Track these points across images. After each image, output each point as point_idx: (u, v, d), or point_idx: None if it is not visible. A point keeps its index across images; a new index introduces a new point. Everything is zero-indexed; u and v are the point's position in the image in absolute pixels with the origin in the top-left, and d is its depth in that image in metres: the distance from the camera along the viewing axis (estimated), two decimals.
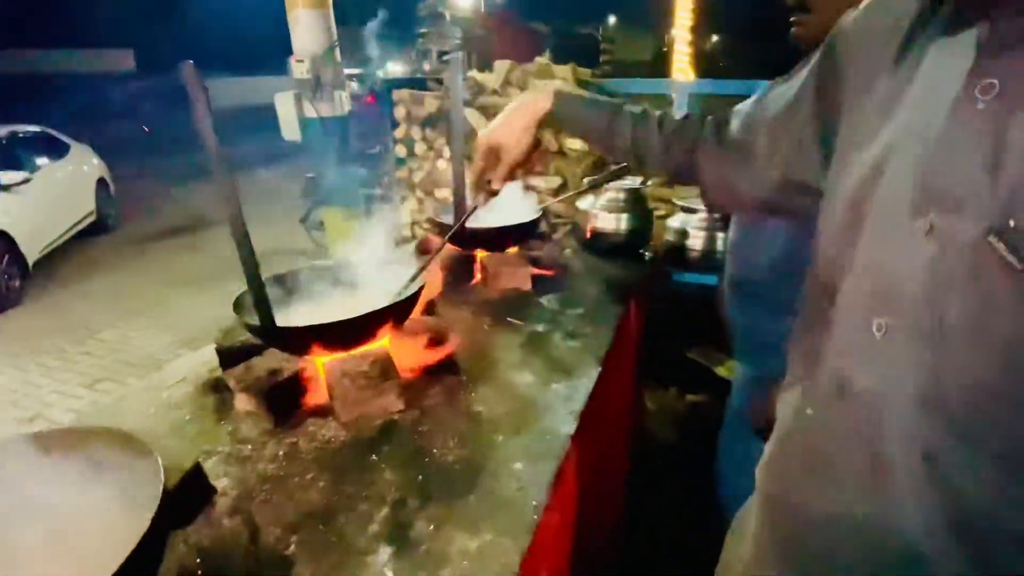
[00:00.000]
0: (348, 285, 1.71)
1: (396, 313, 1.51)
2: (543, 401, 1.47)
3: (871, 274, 0.70)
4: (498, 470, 1.23)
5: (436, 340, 1.59)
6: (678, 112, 1.28)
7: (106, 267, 7.30)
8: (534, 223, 2.26)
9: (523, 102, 1.36)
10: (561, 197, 2.50)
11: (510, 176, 1.47)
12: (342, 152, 5.88)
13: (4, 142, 7.38)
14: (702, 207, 2.68)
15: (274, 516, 1.13)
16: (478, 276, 2.15)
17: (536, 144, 1.40)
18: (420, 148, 3.60)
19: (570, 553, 1.38)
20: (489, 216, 2.00)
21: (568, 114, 1.34)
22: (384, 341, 1.52)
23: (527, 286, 2.12)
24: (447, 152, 3.47)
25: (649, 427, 3.41)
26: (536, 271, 2.18)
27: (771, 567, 0.88)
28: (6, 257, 6.36)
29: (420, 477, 1.22)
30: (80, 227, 8.23)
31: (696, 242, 2.60)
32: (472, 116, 3.53)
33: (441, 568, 1.00)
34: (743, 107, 1.10)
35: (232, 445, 1.34)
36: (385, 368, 1.44)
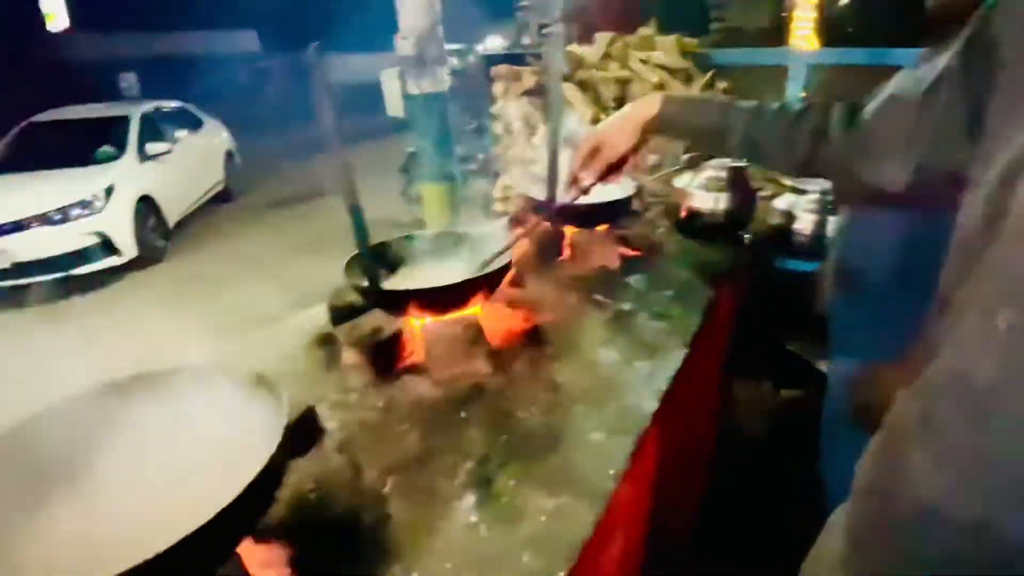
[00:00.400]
0: (445, 255, 1.80)
1: (487, 283, 1.58)
2: (625, 378, 1.49)
3: (1002, 268, 0.66)
4: (578, 439, 1.28)
5: (524, 312, 1.65)
6: (795, 97, 1.23)
7: (231, 233, 8.13)
8: (626, 201, 2.24)
9: (633, 106, 1.39)
10: (657, 175, 2.45)
11: (604, 175, 1.50)
12: (441, 128, 6.08)
13: (151, 117, 8.36)
14: (813, 187, 2.51)
15: (374, 458, 1.25)
16: (567, 252, 2.17)
17: (637, 148, 1.42)
18: (516, 124, 3.65)
19: (643, 527, 1.41)
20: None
21: (676, 118, 1.34)
22: (475, 309, 1.60)
23: (615, 265, 2.12)
24: (543, 128, 3.49)
25: (737, 420, 3.30)
26: (625, 250, 2.17)
27: (865, 564, 0.86)
28: (152, 219, 7.28)
29: (503, 437, 1.30)
30: (210, 195, 9.19)
31: (803, 226, 2.44)
32: (570, 92, 3.51)
33: (520, 520, 1.07)
34: (878, 94, 1.03)
35: (339, 394, 1.48)
36: (475, 334, 1.52)
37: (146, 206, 7.07)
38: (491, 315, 1.62)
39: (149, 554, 0.68)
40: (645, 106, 1.36)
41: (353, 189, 1.30)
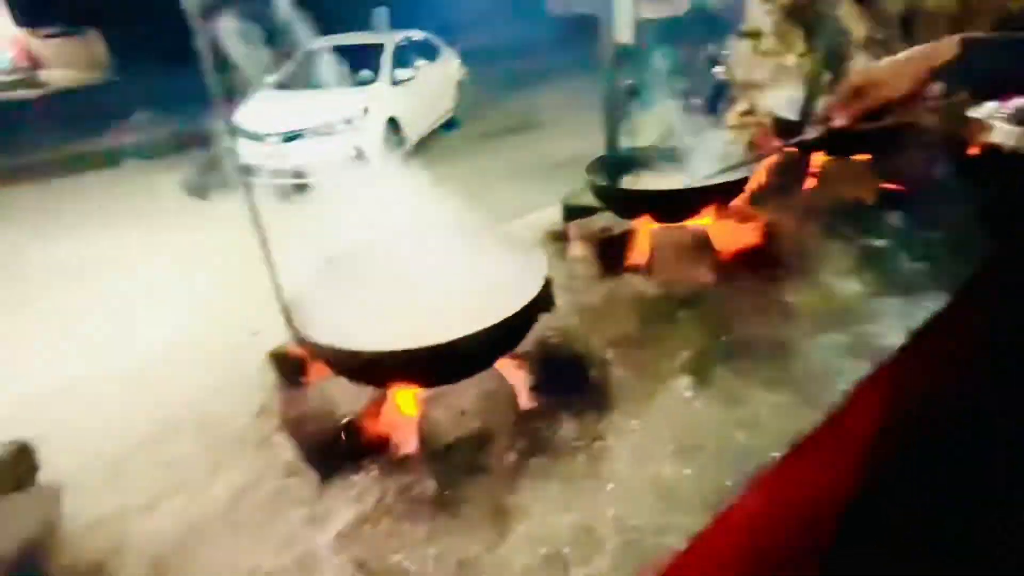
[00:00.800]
0: (681, 169, 1.81)
1: (721, 194, 1.57)
2: (868, 309, 1.39)
3: None
4: (807, 352, 1.26)
5: (756, 229, 1.61)
6: None
7: (457, 157, 8.96)
8: (892, 130, 1.96)
9: (922, 49, 1.19)
10: (942, 102, 2.07)
11: (865, 117, 1.33)
12: (671, 57, 5.80)
13: (401, 46, 9.40)
14: None
15: (597, 334, 1.39)
16: (812, 180, 2.01)
17: (915, 94, 1.22)
18: (767, 43, 3.33)
19: (858, 459, 1.35)
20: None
21: (980, 64, 1.12)
22: (706, 219, 1.61)
23: (870, 198, 1.90)
24: (797, 47, 3.14)
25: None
26: (885, 184, 1.93)
27: None
28: (394, 139, 8.38)
29: (724, 338, 1.33)
30: (441, 121, 10.16)
31: None
32: (849, 12, 3.06)
33: (736, 406, 1.12)
34: None
35: (567, 280, 1.65)
36: (702, 243, 1.54)
37: (391, 126, 8.14)
38: (722, 228, 1.62)
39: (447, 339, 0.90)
40: (938, 49, 1.16)
41: (614, 94, 1.38)
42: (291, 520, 0.98)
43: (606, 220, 1.72)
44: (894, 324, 1.32)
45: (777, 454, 1.00)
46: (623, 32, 5.80)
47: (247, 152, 6.74)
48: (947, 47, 1.17)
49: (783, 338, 1.31)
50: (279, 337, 1.21)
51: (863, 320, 1.34)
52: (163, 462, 1.15)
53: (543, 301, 1.22)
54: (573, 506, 0.95)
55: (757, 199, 1.79)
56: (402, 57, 9.03)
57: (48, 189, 6.58)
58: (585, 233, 1.69)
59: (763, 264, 1.58)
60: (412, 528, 0.94)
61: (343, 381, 1.09)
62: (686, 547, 0.87)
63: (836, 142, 1.95)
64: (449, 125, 10.40)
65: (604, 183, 1.57)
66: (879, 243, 1.68)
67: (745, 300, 1.45)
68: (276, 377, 1.29)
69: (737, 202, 1.70)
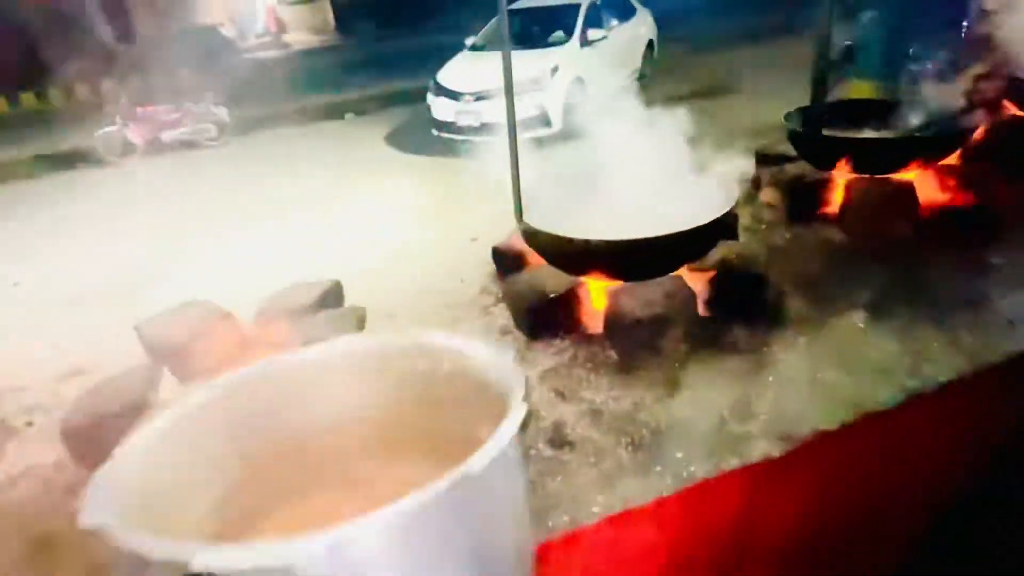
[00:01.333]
0: (889, 124, 1.77)
1: (931, 147, 1.54)
2: None
3: None
4: (995, 307, 1.25)
5: (969, 190, 1.55)
6: None
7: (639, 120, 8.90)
8: None
9: None
10: None
11: None
12: (899, 15, 5.09)
13: (596, 5, 9.46)
14: None
15: (778, 271, 1.50)
16: None
17: None
18: None
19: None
20: None
21: None
22: (911, 174, 1.59)
23: None
24: None
25: None
26: None
27: None
28: (579, 99, 8.57)
29: (908, 285, 1.36)
30: (626, 82, 10.09)
31: None
32: None
33: (909, 339, 1.19)
34: None
35: (752, 222, 1.75)
36: (904, 197, 1.54)
37: (577, 87, 8.34)
38: (929, 184, 1.58)
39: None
40: None
41: (827, 24, 1.43)
42: None
43: (801, 168, 1.77)
44: None
45: (942, 380, 1.07)
46: None
47: (444, 109, 7.45)
48: None
49: (975, 292, 1.31)
50: (494, 242, 1.55)
51: None
52: (416, 317, 1.57)
53: (726, 225, 1.37)
54: (735, 388, 1.14)
55: (975, 158, 1.69)
56: (595, 17, 9.03)
57: (285, 136, 7.97)
58: (777, 179, 1.77)
59: (971, 224, 1.53)
60: (598, 378, 1.21)
61: (552, 269, 1.38)
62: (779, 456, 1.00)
63: None
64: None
65: (802, 130, 1.62)
66: None
67: (943, 257, 1.45)
68: (495, 268, 1.64)
69: (951, 159, 1.64)
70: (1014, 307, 1.24)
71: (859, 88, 5.13)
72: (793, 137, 1.72)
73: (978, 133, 1.83)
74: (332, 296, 1.53)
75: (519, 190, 1.33)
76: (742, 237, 1.67)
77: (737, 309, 1.32)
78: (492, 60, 8.48)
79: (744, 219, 1.78)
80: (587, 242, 1.22)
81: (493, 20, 9.12)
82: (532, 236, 1.34)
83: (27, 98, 11.22)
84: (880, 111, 1.83)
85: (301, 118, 9.59)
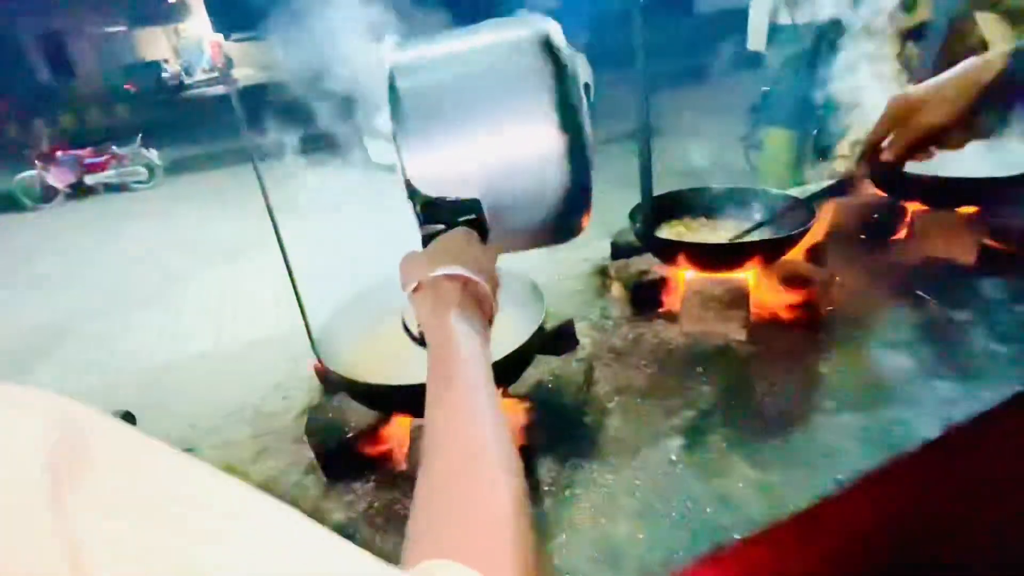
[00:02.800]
0: (735, 212, 1.76)
1: (767, 250, 1.51)
2: (909, 392, 1.27)
3: None
4: (815, 434, 1.19)
5: (802, 287, 1.52)
6: None
7: None
8: (1012, 180, 1.71)
9: (967, 64, 1.06)
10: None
11: (912, 151, 1.21)
12: (808, 67, 5.32)
13: None
14: None
15: (609, 377, 1.43)
16: (901, 232, 1.83)
17: (965, 119, 1.08)
18: (891, 67, 2.98)
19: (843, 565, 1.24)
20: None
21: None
22: (747, 273, 1.56)
23: (968, 259, 1.69)
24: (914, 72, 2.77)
25: None
26: (990, 242, 1.70)
27: None
28: None
29: (732, 403, 1.30)
30: None
31: None
32: (988, 23, 2.66)
33: (718, 477, 1.12)
34: None
35: (599, 318, 1.69)
36: (737, 298, 1.50)
37: None
38: (763, 284, 1.55)
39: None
40: (987, 61, 1.02)
41: (647, 140, 1.40)
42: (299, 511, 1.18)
43: (647, 262, 1.73)
44: (931, 413, 1.20)
45: (738, 535, 0.99)
46: (756, 39, 5.44)
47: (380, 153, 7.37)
48: (997, 59, 1.06)
49: (796, 414, 1.25)
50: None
51: (896, 403, 1.24)
52: (221, 444, 1.42)
53: (539, 347, 1.29)
54: None
55: (821, 251, 1.68)
56: None
57: (217, 178, 7.74)
58: (624, 274, 1.72)
59: (803, 326, 1.50)
60: (384, 538, 1.09)
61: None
62: None
63: (934, 189, 1.76)
64: None
65: (639, 228, 1.58)
66: (959, 315, 1.50)
67: (769, 366, 1.40)
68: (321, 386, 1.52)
69: (794, 254, 1.62)
70: (834, 433, 1.19)
71: (773, 137, 5.30)
72: (636, 232, 1.68)
73: (831, 220, 1.83)
74: None
75: (306, 316, 1.22)
76: (589, 336, 1.61)
77: (551, 438, 1.23)
78: None
79: (594, 315, 1.72)
80: (370, 387, 1.11)
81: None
82: (325, 373, 1.23)
83: None
84: (736, 199, 1.81)
85: (241, 158, 9.40)
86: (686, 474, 1.14)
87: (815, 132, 4.57)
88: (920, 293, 1.59)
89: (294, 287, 1.19)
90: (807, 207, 1.58)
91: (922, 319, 1.50)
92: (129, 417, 1.41)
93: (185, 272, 4.11)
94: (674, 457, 1.18)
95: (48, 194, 7.18)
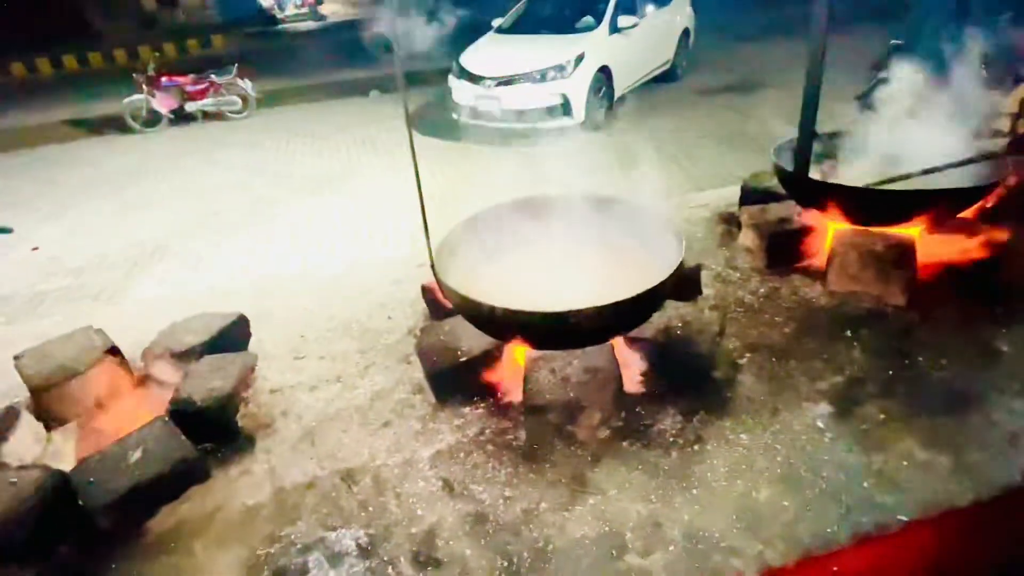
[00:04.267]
0: (898, 161, 1.52)
1: (946, 202, 1.29)
2: None
3: None
4: (995, 416, 1.02)
5: (980, 249, 1.30)
6: None
7: (667, 113, 8.49)
8: None
9: None
10: None
11: None
12: (950, 15, 4.62)
13: None
14: None
15: (738, 332, 1.29)
16: None
17: None
18: None
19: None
20: None
21: None
22: (914, 230, 1.35)
23: None
24: None
25: None
26: None
27: None
28: (603, 88, 8.20)
29: (890, 372, 1.14)
30: (657, 72, 9.62)
31: None
32: None
33: (877, 452, 0.98)
34: None
35: (725, 268, 1.54)
36: (902, 256, 1.30)
37: (602, 76, 7.98)
38: (933, 241, 1.34)
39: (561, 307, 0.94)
40: None
41: (819, 64, 1.20)
42: (407, 429, 1.15)
43: (787, 210, 1.54)
44: None
45: (904, 517, 0.86)
46: None
47: (465, 93, 7.18)
48: None
49: (968, 390, 1.08)
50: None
51: None
52: (329, 356, 1.41)
53: (681, 285, 1.17)
54: (648, 499, 0.95)
55: (998, 211, 1.43)
56: (628, 3, 8.63)
57: (308, 111, 7.88)
58: (758, 221, 1.54)
59: (979, 293, 1.29)
60: (497, 466, 1.04)
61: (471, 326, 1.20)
62: None
63: None
64: (668, 77, 9.77)
65: (791, 169, 1.39)
66: None
67: (936, 335, 1.22)
68: (425, 306, 1.47)
69: (971, 212, 1.39)
70: (1019, 418, 1.02)
71: (897, 96, 4.69)
72: (779, 174, 1.49)
73: (1009, 180, 1.56)
74: (234, 333, 1.38)
75: (429, 236, 1.14)
76: (712, 288, 1.46)
77: (675, 388, 1.12)
78: (518, 43, 8.13)
79: (718, 265, 1.56)
80: (493, 309, 1.03)
81: (520, 3, 8.75)
82: (446, 292, 1.16)
83: (69, 60, 11.43)
84: (893, 144, 1.57)
85: (328, 93, 9.48)
86: (837, 444, 1.01)
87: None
88: None
89: (422, 209, 1.11)
90: (993, 160, 1.33)
91: None
92: (243, 320, 1.43)
93: (273, 199, 4.24)
94: (822, 424, 1.05)
95: (153, 119, 7.58)
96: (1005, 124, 2.74)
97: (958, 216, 1.34)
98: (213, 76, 8.30)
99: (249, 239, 3.49)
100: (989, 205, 1.41)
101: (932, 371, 1.13)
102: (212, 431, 1.17)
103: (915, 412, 1.05)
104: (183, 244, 3.49)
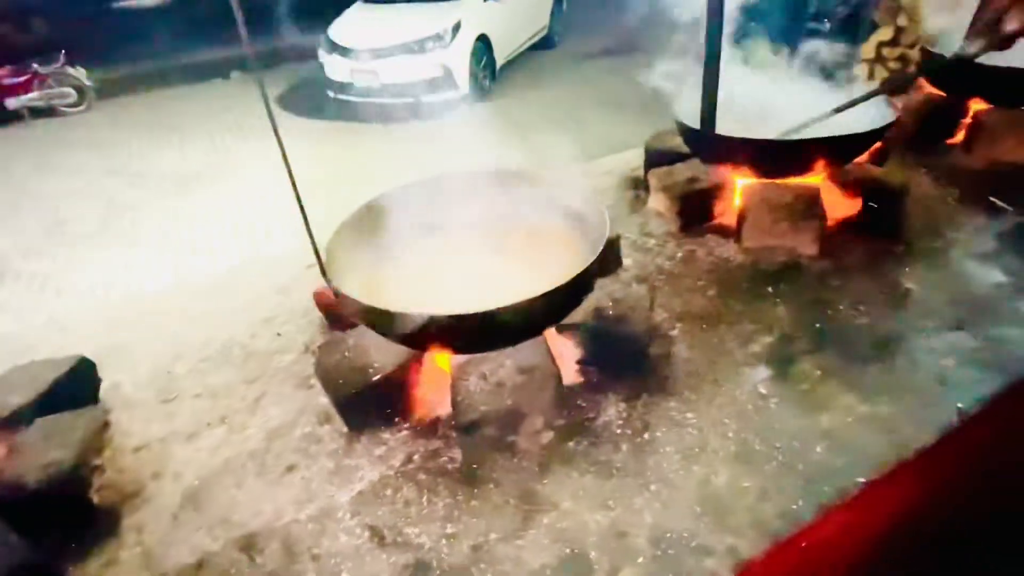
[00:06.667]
0: (776, 119, 1.53)
1: (837, 148, 1.30)
2: (1011, 307, 1.13)
3: None
4: (921, 357, 1.04)
5: (877, 194, 1.34)
6: None
7: (548, 80, 8.48)
8: None
9: None
10: None
11: None
12: None
13: None
14: None
15: (665, 303, 1.23)
16: (961, 134, 1.65)
17: None
18: None
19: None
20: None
21: None
22: (816, 179, 1.36)
23: None
24: None
25: None
26: None
27: None
28: (484, 58, 8.02)
29: (817, 325, 1.13)
30: (533, 40, 9.59)
31: None
32: None
33: (821, 411, 0.96)
34: None
35: (639, 236, 1.48)
36: (810, 206, 1.30)
37: (482, 45, 7.78)
38: (834, 191, 1.36)
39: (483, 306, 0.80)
40: None
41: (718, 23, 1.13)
42: (317, 471, 0.97)
43: (694, 169, 1.50)
44: None
45: (861, 478, 0.84)
46: None
47: (338, 69, 6.65)
48: None
49: (889, 335, 1.09)
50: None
51: (1000, 321, 1.09)
52: (208, 393, 1.17)
53: (600, 269, 1.07)
54: (607, 503, 0.86)
55: (884, 155, 1.48)
56: None
57: (160, 100, 6.96)
58: (667, 183, 1.49)
59: (882, 235, 1.33)
60: (433, 499, 0.89)
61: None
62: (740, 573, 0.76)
63: (1004, 83, 1.57)
64: (545, 43, 9.77)
65: (695, 127, 1.34)
66: None
67: (849, 281, 1.23)
68: (321, 317, 1.27)
69: (864, 158, 1.42)
70: (942, 357, 1.04)
71: (756, 48, 4.99)
72: (684, 132, 1.44)
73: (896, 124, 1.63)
74: (74, 382, 1.09)
75: (312, 235, 0.95)
76: (631, 258, 1.40)
77: (614, 373, 1.04)
78: (389, 12, 7.63)
79: (632, 233, 1.50)
80: (411, 317, 0.87)
81: None
82: (344, 303, 0.98)
83: None
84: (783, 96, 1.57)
85: (184, 77, 8.38)
86: (782, 409, 0.97)
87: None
88: (995, 200, 1.43)
89: (300, 206, 0.91)
90: (883, 102, 1.36)
91: (1002, 226, 1.35)
92: (87, 364, 1.14)
93: (132, 203, 3.65)
94: (764, 390, 1.01)
95: None
96: (864, 71, 2.95)
97: (855, 161, 1.36)
98: (36, 66, 7.08)
99: (105, 251, 2.98)
100: (881, 146, 1.45)
101: (854, 318, 1.14)
102: (58, 517, 0.91)
103: (847, 363, 1.04)
104: (24, 265, 2.90)
